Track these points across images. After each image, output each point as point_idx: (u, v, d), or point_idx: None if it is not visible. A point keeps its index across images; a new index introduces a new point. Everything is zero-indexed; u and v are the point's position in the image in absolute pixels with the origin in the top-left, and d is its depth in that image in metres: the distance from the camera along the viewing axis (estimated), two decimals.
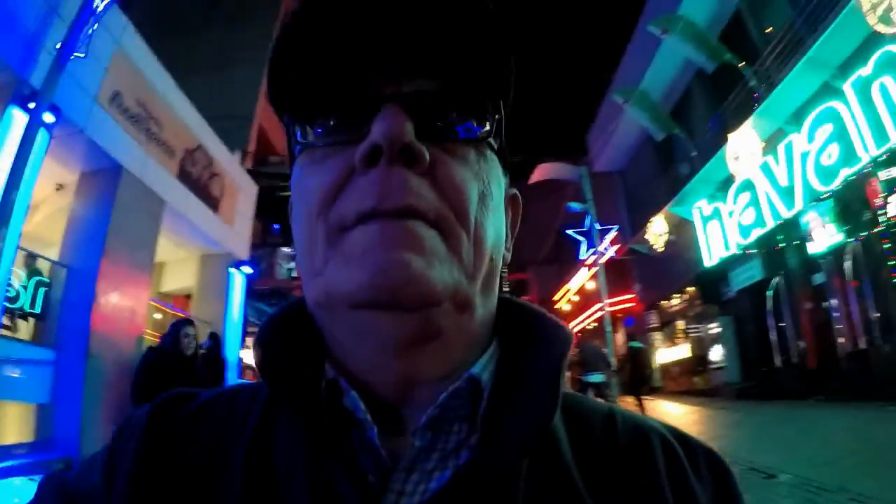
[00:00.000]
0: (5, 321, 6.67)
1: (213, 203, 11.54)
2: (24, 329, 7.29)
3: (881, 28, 8.09)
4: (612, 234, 21.54)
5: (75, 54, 6.14)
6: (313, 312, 0.54)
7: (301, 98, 0.51)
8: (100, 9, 6.40)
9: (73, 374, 7.15)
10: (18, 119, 6.51)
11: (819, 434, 7.68)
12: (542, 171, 19.99)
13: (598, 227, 19.20)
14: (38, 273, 7.44)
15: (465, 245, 0.49)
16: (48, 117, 6.56)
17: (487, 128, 0.52)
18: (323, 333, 0.55)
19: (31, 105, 6.49)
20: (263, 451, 0.52)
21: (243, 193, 13.42)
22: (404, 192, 0.46)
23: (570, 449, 0.53)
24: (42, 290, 7.38)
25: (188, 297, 12.88)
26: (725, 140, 12.60)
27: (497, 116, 0.53)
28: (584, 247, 23.78)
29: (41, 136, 6.49)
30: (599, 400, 0.65)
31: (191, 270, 12.36)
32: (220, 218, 11.90)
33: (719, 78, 13.35)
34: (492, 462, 0.48)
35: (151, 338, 9.01)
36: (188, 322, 6.84)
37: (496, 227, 0.54)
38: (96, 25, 6.47)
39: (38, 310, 7.32)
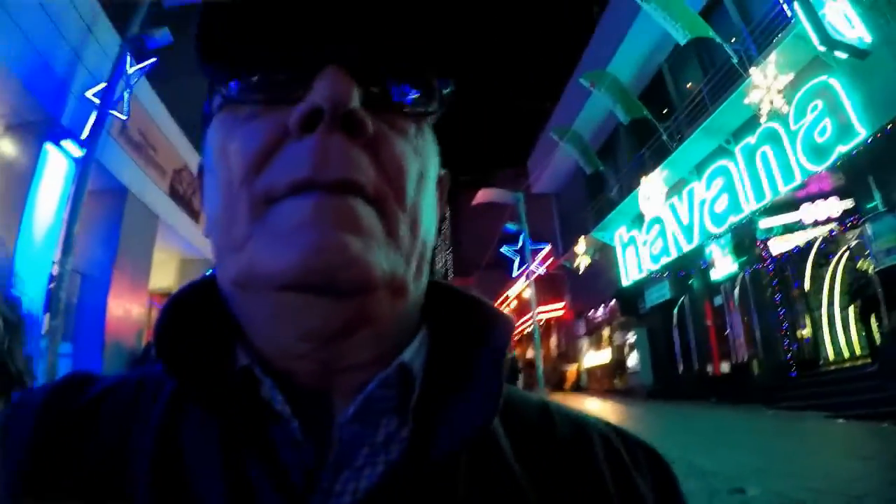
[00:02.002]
0: None
1: (194, 214, 13.04)
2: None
3: (763, 117, 10.20)
4: (544, 252, 23.57)
5: (116, 113, 7.29)
6: (226, 292, 0.47)
7: (234, 48, 0.44)
8: (131, 73, 7.62)
9: (92, 365, 8.33)
10: (53, 154, 7.69)
11: (687, 425, 9.85)
12: (484, 196, 21.31)
13: (530, 245, 20.94)
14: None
15: (402, 226, 0.44)
16: (75, 151, 7.78)
17: (431, 102, 0.48)
18: (237, 316, 0.47)
19: (67, 143, 7.64)
20: (172, 453, 0.45)
21: None
22: (345, 163, 0.41)
23: (508, 442, 0.50)
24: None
25: (166, 294, 13.97)
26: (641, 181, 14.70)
27: (441, 92, 0.49)
28: (516, 264, 25.91)
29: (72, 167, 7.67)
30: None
31: (170, 270, 13.68)
32: (200, 228, 13.24)
33: (640, 126, 15.21)
34: (429, 458, 0.44)
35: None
36: None
37: (430, 208, 0.50)
38: (127, 93, 7.65)
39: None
